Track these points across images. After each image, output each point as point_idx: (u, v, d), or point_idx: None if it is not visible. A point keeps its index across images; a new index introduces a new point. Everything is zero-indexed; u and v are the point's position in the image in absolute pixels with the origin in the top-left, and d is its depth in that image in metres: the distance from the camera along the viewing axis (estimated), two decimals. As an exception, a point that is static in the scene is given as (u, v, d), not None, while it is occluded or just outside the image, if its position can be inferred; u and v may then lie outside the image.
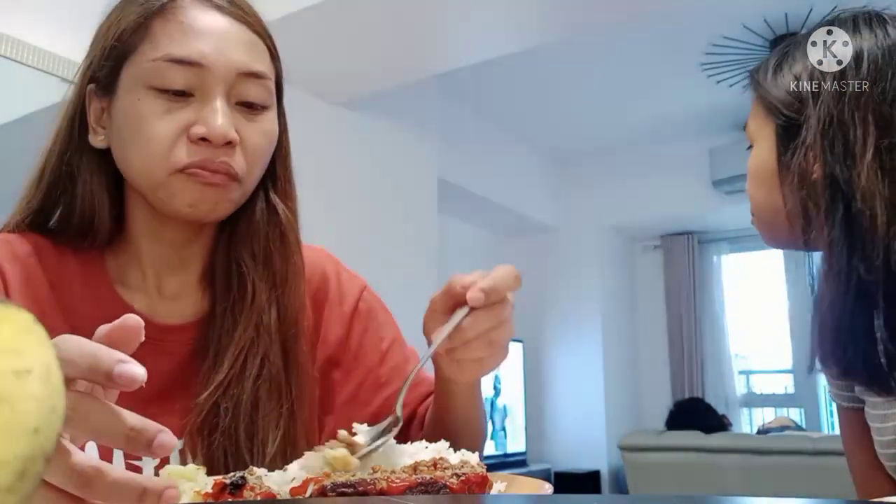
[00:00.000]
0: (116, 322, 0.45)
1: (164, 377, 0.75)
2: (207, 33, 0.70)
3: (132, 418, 0.43)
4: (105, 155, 0.75)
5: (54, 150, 0.75)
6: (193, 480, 0.52)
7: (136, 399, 0.70)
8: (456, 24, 2.70)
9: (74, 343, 0.42)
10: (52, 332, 0.71)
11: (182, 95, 0.69)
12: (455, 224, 4.91)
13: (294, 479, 0.50)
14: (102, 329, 0.46)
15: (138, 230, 0.77)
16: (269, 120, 0.76)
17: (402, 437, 0.79)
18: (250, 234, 0.79)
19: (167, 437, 0.43)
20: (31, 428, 0.22)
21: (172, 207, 0.72)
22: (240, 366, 0.74)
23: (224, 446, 0.71)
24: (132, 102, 0.70)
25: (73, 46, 2.14)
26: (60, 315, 0.73)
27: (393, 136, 3.50)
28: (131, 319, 0.45)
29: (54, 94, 2.26)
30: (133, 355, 0.46)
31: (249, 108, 0.73)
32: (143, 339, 0.46)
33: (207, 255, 0.81)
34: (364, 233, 3.15)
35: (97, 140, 0.74)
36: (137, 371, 0.42)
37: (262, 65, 0.74)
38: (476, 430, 0.80)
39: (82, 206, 0.74)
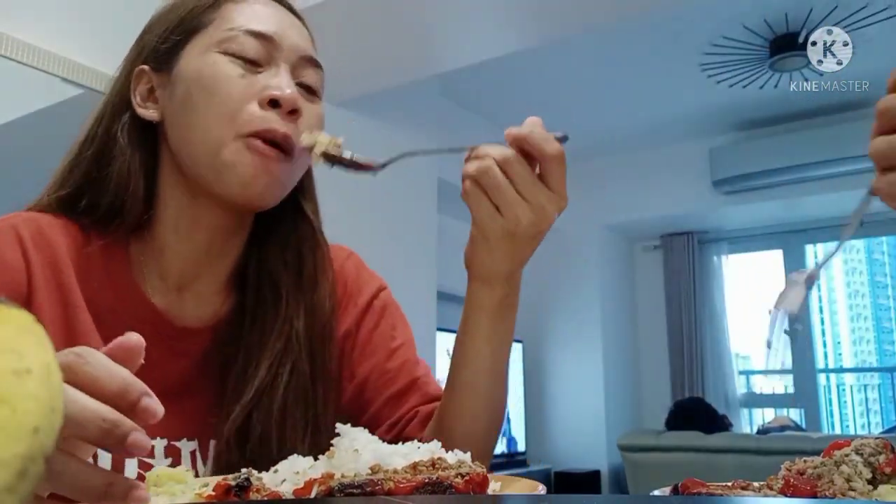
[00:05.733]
0: (118, 340, 0.44)
1: (177, 378, 0.74)
2: (275, 19, 0.76)
3: (109, 413, 0.41)
4: (145, 136, 0.76)
5: (95, 128, 0.77)
6: (184, 482, 0.52)
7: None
8: (456, 24, 2.70)
9: (102, 362, 0.42)
10: (77, 321, 0.71)
11: (253, 65, 0.73)
12: (455, 224, 4.90)
13: (285, 479, 0.50)
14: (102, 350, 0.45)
15: (168, 221, 0.76)
16: (322, 108, 0.79)
17: (396, 434, 0.78)
18: (283, 243, 0.80)
19: (141, 437, 0.41)
20: (31, 428, 0.22)
21: (226, 178, 0.71)
22: (273, 374, 0.74)
23: (258, 458, 0.70)
24: (206, 65, 0.72)
25: (73, 46, 2.14)
26: (84, 303, 0.72)
27: (393, 136, 3.50)
28: (133, 338, 0.45)
29: (54, 94, 2.27)
30: (148, 355, 0.45)
31: (307, 90, 0.77)
32: (142, 361, 0.45)
33: (234, 259, 0.81)
34: (364, 233, 3.15)
35: (148, 113, 0.75)
36: (159, 407, 0.42)
37: (317, 57, 0.79)
38: (496, 395, 0.76)
39: (118, 181, 0.74)
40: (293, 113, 0.73)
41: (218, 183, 0.71)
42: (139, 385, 0.41)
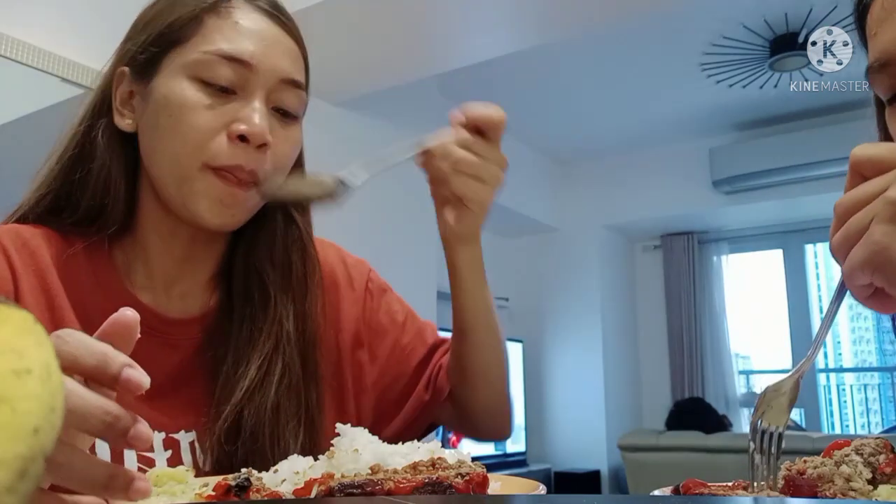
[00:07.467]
0: (113, 316, 0.44)
1: (171, 370, 0.75)
2: (257, 36, 0.73)
3: (112, 406, 0.41)
4: (126, 141, 0.76)
5: (79, 130, 0.76)
6: (184, 482, 0.52)
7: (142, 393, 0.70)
8: (456, 24, 2.70)
9: (81, 340, 0.41)
10: (64, 324, 0.71)
11: (224, 92, 0.72)
12: (455, 224, 4.90)
13: (285, 479, 0.50)
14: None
15: (150, 225, 0.77)
16: (298, 130, 0.78)
17: (433, 389, 0.87)
18: (271, 244, 0.81)
19: (143, 429, 0.41)
20: (31, 428, 0.22)
21: (192, 208, 0.72)
22: (263, 373, 0.75)
23: (250, 452, 0.72)
24: (176, 90, 0.71)
25: (73, 46, 2.14)
26: (70, 308, 0.73)
27: (393, 136, 3.50)
28: (128, 312, 0.44)
29: (54, 94, 2.27)
30: (139, 347, 0.45)
31: (283, 115, 0.75)
32: (138, 335, 0.45)
33: (219, 256, 0.82)
34: (364, 233, 3.15)
35: (124, 123, 0.75)
36: (143, 378, 0.41)
37: (300, 75, 0.77)
38: (494, 341, 0.84)
39: (96, 185, 0.74)
40: (262, 147, 0.72)
41: (185, 207, 0.72)
42: (120, 357, 0.41)
